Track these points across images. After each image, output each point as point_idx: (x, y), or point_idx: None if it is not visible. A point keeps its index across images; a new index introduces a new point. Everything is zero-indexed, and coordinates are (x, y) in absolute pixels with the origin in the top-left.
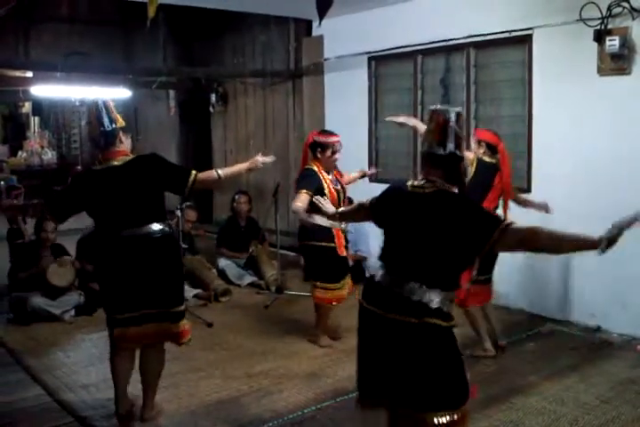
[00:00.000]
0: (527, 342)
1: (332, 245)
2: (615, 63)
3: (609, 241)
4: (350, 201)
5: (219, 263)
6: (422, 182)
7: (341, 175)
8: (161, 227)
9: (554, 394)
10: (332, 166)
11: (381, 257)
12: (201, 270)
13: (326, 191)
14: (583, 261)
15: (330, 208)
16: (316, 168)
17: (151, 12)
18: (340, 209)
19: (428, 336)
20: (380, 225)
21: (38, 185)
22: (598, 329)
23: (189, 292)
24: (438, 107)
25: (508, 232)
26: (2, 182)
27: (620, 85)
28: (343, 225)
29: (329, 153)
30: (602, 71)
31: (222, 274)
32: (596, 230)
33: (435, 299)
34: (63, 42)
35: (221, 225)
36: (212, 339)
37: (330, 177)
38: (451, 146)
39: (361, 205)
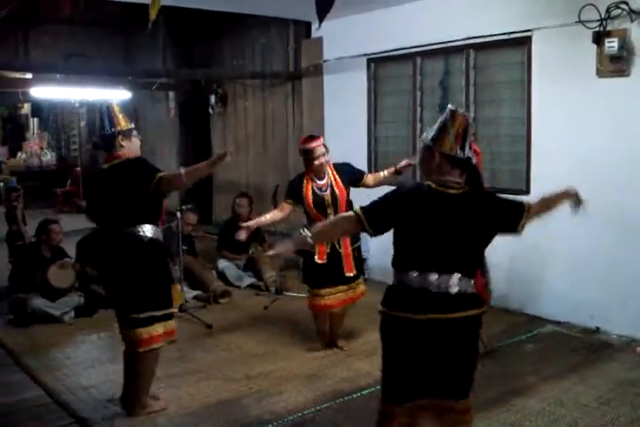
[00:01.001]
0: (526, 344)
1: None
2: (614, 65)
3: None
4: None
5: (218, 265)
6: (448, 184)
7: (338, 179)
8: (141, 230)
9: (553, 396)
10: (320, 171)
11: (405, 260)
12: (200, 272)
13: (304, 198)
14: (583, 262)
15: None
16: (305, 175)
17: (153, 14)
18: (316, 231)
19: (473, 325)
20: (399, 228)
21: (37, 186)
22: (597, 331)
23: (189, 293)
24: (458, 108)
25: (530, 211)
26: (1, 184)
27: (618, 87)
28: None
29: (310, 158)
30: (601, 73)
31: (222, 275)
32: (597, 232)
33: (470, 287)
34: (63, 43)
35: (222, 227)
36: (212, 340)
37: (322, 182)
38: (468, 150)
39: (345, 218)
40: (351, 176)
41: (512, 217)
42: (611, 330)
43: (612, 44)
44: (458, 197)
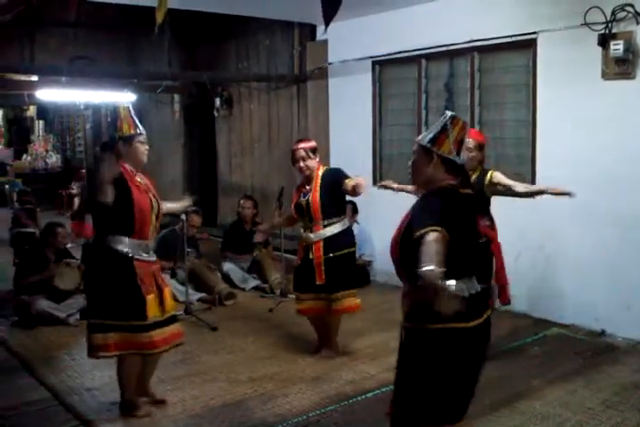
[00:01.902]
0: (531, 347)
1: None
2: (619, 67)
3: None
4: (355, 206)
5: (223, 267)
6: (456, 186)
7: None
8: (110, 240)
9: (558, 398)
10: (305, 176)
11: (458, 267)
12: (205, 274)
13: (292, 200)
14: (588, 265)
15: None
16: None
17: (159, 18)
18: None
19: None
20: (460, 238)
21: (42, 188)
22: (603, 333)
23: (194, 295)
24: (456, 114)
25: None
26: (7, 186)
27: (624, 90)
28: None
29: (295, 162)
30: (606, 75)
31: (226, 278)
32: (603, 234)
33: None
34: (68, 46)
35: (226, 229)
36: (217, 343)
37: (308, 187)
38: (463, 156)
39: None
40: (331, 182)
41: None
42: (616, 333)
43: (617, 47)
44: (468, 196)
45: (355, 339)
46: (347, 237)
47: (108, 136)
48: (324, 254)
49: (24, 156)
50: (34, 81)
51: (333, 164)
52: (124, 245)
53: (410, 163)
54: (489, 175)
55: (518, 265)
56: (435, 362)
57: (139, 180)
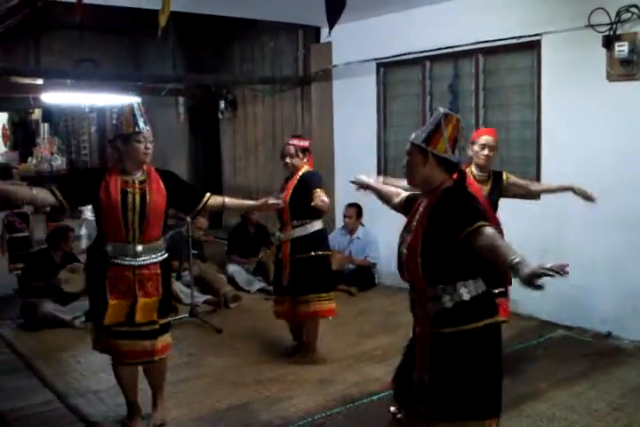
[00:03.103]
0: (537, 349)
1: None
2: (624, 69)
3: (523, 278)
4: (360, 208)
5: (228, 269)
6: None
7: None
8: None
9: (565, 401)
10: (288, 170)
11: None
12: (210, 276)
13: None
14: (594, 266)
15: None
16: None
17: (162, 21)
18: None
19: None
20: None
21: None
22: (609, 335)
23: (199, 298)
24: (451, 112)
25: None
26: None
27: (629, 91)
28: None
29: (282, 156)
30: (611, 77)
31: (232, 280)
32: (609, 236)
33: None
34: (73, 49)
35: (231, 232)
36: (222, 345)
37: (287, 184)
38: (457, 154)
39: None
40: (305, 186)
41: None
42: (623, 335)
43: (622, 48)
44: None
45: (360, 341)
46: (317, 240)
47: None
48: (291, 255)
49: (29, 158)
50: (39, 84)
51: (338, 165)
52: (106, 246)
53: (404, 163)
54: (504, 176)
55: None
56: (478, 359)
57: (130, 179)
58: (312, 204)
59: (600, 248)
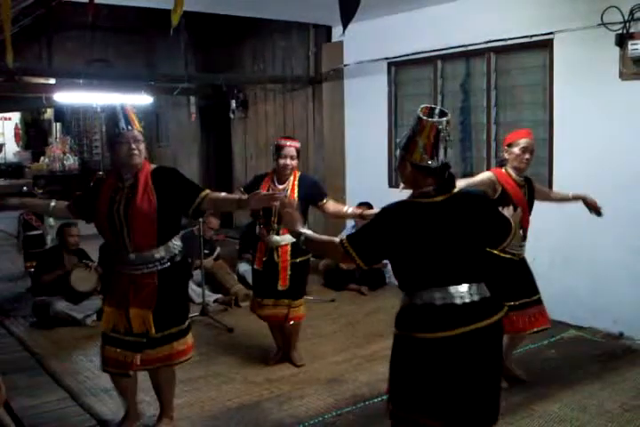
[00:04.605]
0: (548, 349)
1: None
2: (637, 67)
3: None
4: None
5: (239, 269)
6: (428, 194)
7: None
8: None
9: (576, 401)
10: (282, 173)
11: (418, 278)
12: (222, 275)
13: None
14: (606, 266)
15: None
16: (267, 175)
17: (174, 20)
18: (311, 238)
19: (499, 332)
20: (400, 251)
21: (60, 190)
22: (621, 336)
23: (210, 297)
24: (427, 118)
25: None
26: (25, 188)
27: None
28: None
29: (280, 155)
30: (624, 76)
31: (242, 279)
32: (621, 235)
33: (485, 291)
34: (86, 49)
35: (243, 231)
36: (233, 344)
37: (280, 186)
38: (442, 157)
39: (333, 246)
40: (310, 192)
41: (498, 234)
42: (634, 335)
43: (635, 47)
44: (443, 204)
45: (371, 340)
46: None
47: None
48: (295, 257)
49: (42, 158)
50: (51, 84)
51: (349, 165)
52: (110, 253)
53: (395, 167)
54: (533, 183)
55: (535, 267)
56: (400, 368)
57: (122, 184)
58: (354, 213)
59: (612, 248)
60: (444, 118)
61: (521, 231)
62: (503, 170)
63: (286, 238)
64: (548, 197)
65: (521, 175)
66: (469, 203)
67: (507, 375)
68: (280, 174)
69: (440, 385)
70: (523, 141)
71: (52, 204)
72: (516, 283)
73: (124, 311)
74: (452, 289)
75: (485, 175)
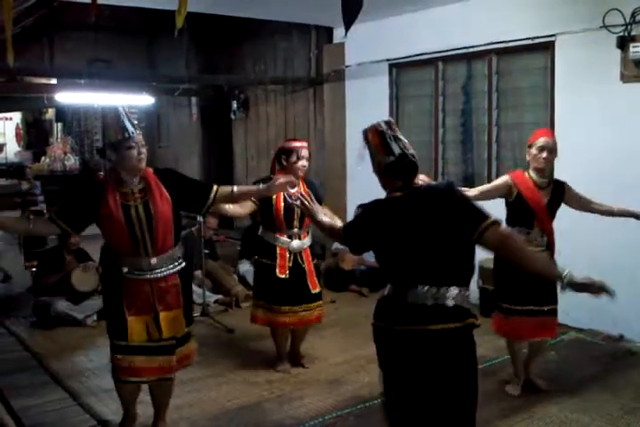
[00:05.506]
0: (549, 351)
1: (273, 263)
2: (639, 70)
3: (569, 286)
4: None
5: (239, 269)
6: (397, 189)
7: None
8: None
9: (576, 404)
10: (296, 175)
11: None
12: (222, 276)
13: (274, 201)
14: (606, 268)
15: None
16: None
17: (179, 22)
18: (322, 217)
19: (464, 340)
20: (377, 245)
21: (61, 190)
22: (621, 338)
23: (210, 297)
24: (367, 127)
25: (494, 226)
26: (26, 187)
27: None
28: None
29: (293, 158)
30: (625, 78)
31: (243, 280)
32: (623, 237)
33: (457, 297)
34: (87, 49)
35: (243, 233)
36: (233, 344)
37: (292, 191)
38: (398, 151)
39: (338, 230)
40: (316, 195)
41: (468, 223)
42: (635, 338)
43: (636, 49)
44: (403, 199)
45: (371, 342)
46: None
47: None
48: (313, 261)
49: (43, 158)
50: (53, 84)
51: (350, 167)
52: (118, 261)
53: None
54: (566, 188)
55: None
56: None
57: (129, 189)
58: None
59: (612, 250)
60: (382, 121)
61: (542, 236)
62: (526, 173)
63: (306, 242)
64: (588, 208)
65: (543, 176)
66: (431, 196)
67: (527, 382)
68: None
69: (411, 381)
70: (540, 141)
71: (31, 225)
72: (525, 288)
73: (151, 317)
74: (421, 289)
75: (501, 179)
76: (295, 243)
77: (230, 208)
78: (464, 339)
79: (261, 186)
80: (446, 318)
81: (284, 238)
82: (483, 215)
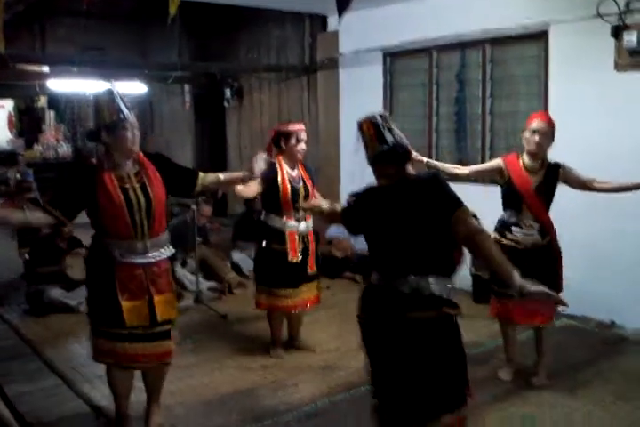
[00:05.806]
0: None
1: (283, 247)
2: (633, 59)
3: (520, 293)
4: None
5: (233, 257)
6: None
7: (310, 178)
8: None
9: (568, 389)
10: (296, 158)
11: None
12: (215, 263)
13: (279, 184)
14: (599, 255)
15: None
16: (276, 161)
17: (172, 9)
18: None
19: (442, 329)
20: (366, 230)
21: (53, 178)
22: (613, 325)
23: (203, 284)
24: (361, 119)
25: (465, 213)
26: (18, 175)
27: (637, 81)
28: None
29: (293, 141)
30: (619, 67)
31: (236, 267)
32: (617, 225)
33: (435, 287)
34: (79, 36)
35: (237, 219)
36: (227, 331)
37: (293, 174)
38: (391, 139)
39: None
40: (312, 179)
41: (444, 212)
42: (627, 324)
43: (630, 38)
44: (390, 188)
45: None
46: None
47: (93, 124)
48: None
49: (35, 145)
50: (45, 71)
51: (344, 154)
52: (110, 246)
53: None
54: (561, 171)
55: None
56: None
57: (124, 173)
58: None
59: (605, 237)
60: (377, 113)
61: (533, 221)
62: (520, 157)
63: (310, 224)
64: (590, 187)
65: (535, 160)
66: (416, 186)
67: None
68: (292, 161)
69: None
70: (532, 123)
71: (27, 214)
72: (520, 273)
73: (145, 302)
74: (402, 277)
75: (495, 161)
76: (302, 225)
77: (239, 189)
78: (444, 328)
79: (245, 172)
80: (424, 306)
81: (293, 222)
82: (457, 204)
